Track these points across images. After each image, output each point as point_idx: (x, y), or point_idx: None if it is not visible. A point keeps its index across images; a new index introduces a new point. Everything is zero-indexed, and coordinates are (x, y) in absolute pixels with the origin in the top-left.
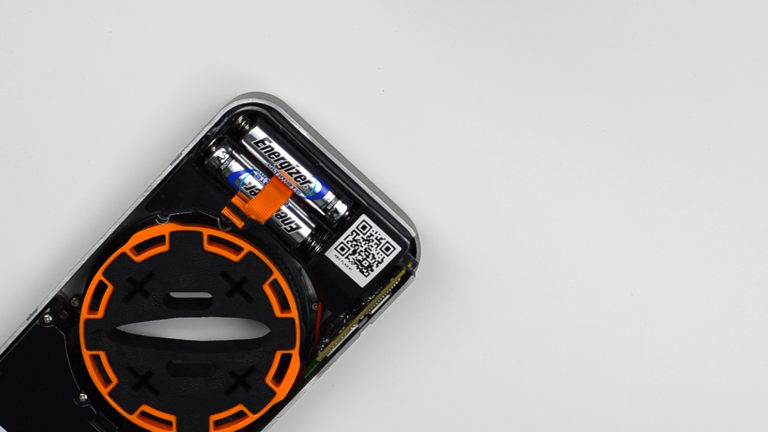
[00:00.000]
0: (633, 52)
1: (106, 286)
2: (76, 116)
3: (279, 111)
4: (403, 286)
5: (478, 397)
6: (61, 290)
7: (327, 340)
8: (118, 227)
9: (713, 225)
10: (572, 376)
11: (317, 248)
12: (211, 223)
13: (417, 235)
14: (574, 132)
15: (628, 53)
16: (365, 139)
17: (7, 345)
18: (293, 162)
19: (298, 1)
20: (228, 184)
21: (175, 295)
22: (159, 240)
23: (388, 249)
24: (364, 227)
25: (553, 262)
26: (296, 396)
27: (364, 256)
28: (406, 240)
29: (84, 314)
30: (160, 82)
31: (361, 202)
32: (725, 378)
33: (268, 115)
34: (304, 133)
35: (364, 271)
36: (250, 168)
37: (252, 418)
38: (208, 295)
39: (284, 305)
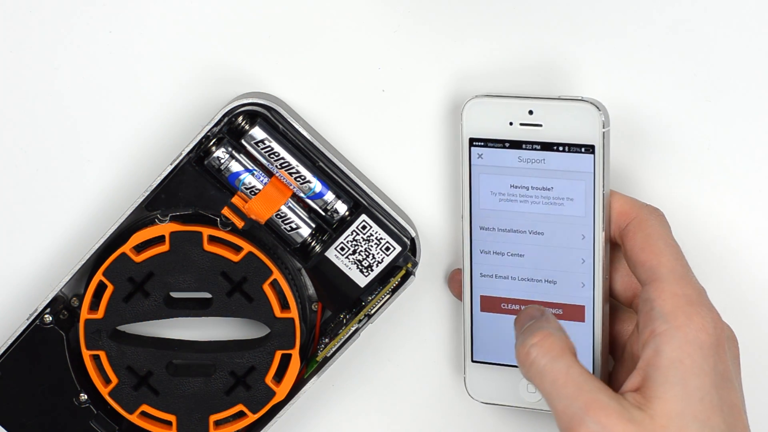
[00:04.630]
0: (633, 52)
1: (106, 286)
2: (76, 116)
3: (279, 111)
4: (403, 286)
5: None
6: (61, 290)
7: (327, 340)
8: (118, 227)
9: (713, 225)
10: None
11: (317, 248)
12: (211, 223)
13: (417, 235)
14: None
15: (628, 53)
16: (365, 139)
17: (7, 345)
18: (293, 162)
19: (298, 1)
20: (228, 184)
21: (175, 295)
22: (159, 240)
23: (388, 249)
24: (364, 227)
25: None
26: (296, 396)
27: (364, 256)
28: (406, 240)
29: (84, 314)
30: (160, 82)
31: (361, 202)
32: None
33: (268, 115)
34: (304, 133)
35: (364, 271)
36: (250, 168)
37: (252, 418)
38: (208, 295)
39: (284, 305)
